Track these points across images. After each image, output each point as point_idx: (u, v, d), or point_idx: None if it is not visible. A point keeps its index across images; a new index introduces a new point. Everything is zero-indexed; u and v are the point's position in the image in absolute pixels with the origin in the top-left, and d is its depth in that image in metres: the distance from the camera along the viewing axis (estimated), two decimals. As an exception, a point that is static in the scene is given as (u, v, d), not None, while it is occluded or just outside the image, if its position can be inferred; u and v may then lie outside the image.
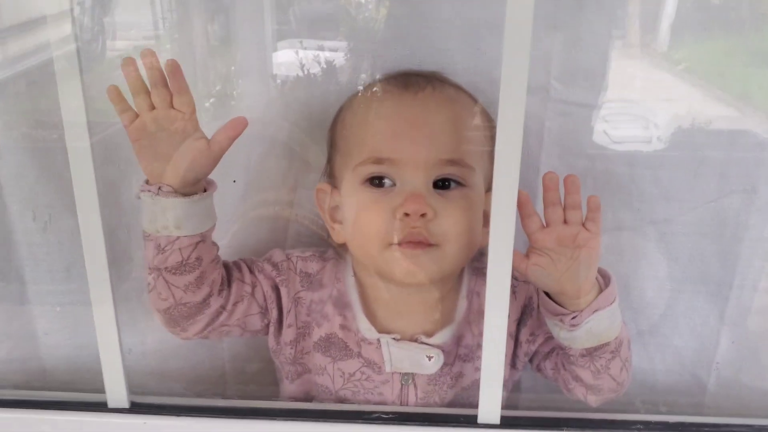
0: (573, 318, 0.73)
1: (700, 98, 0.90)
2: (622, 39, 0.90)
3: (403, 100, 0.78)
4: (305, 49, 0.94)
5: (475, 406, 0.72)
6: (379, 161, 0.75)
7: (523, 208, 0.70)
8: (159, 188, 0.72)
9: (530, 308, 0.82)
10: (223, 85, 1.01)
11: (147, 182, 0.74)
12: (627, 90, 0.91)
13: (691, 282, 0.92)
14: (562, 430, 0.72)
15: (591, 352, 0.75)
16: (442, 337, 0.81)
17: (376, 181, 0.76)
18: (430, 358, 0.79)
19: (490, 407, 0.72)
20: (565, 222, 0.71)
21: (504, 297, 0.68)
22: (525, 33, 0.62)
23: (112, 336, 0.72)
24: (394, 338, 0.80)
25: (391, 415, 0.74)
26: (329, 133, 0.84)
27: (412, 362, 0.80)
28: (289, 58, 0.96)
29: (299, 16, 0.97)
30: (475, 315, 0.81)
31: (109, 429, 0.74)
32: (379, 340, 0.80)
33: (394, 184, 0.75)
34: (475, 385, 0.74)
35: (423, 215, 0.73)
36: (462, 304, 0.82)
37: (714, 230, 0.89)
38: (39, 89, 0.95)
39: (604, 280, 0.74)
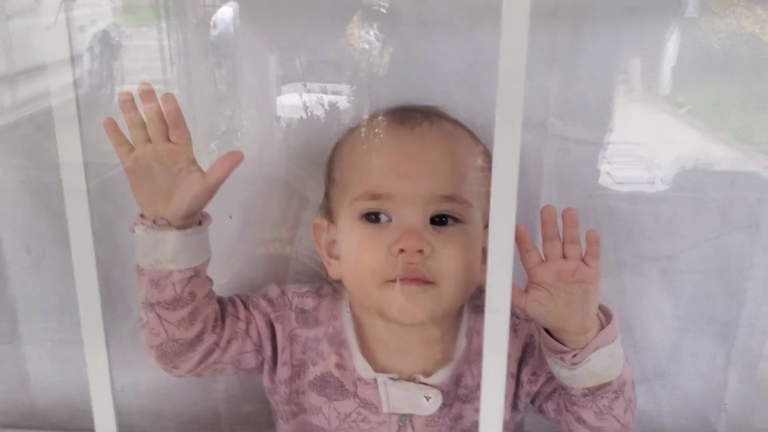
0: (573, 356, 0.71)
1: (701, 140, 0.91)
2: (625, 82, 0.90)
3: (400, 136, 0.77)
4: (309, 92, 0.96)
5: (475, 448, 0.70)
6: (375, 197, 0.75)
7: (521, 242, 0.70)
8: (154, 221, 0.72)
9: (532, 347, 0.80)
10: (227, 127, 1.02)
11: (141, 216, 0.74)
12: (629, 132, 0.91)
13: (696, 321, 0.91)
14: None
15: (593, 392, 0.73)
16: (441, 376, 0.79)
17: (372, 217, 0.76)
18: (428, 398, 0.78)
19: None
20: (564, 256, 0.70)
21: (503, 335, 0.66)
22: (519, 66, 0.62)
23: (104, 375, 0.71)
24: (391, 378, 0.78)
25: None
26: (326, 168, 0.84)
27: (410, 403, 0.78)
28: (293, 101, 0.97)
29: (303, 61, 0.98)
30: (475, 354, 0.80)
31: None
32: (376, 379, 0.78)
33: (390, 220, 0.74)
34: (475, 427, 0.71)
35: (420, 251, 0.72)
36: (461, 343, 0.81)
37: (717, 268, 0.89)
38: (45, 133, 0.98)
39: (605, 317, 0.73)
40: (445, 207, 0.75)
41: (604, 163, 0.89)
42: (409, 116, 0.79)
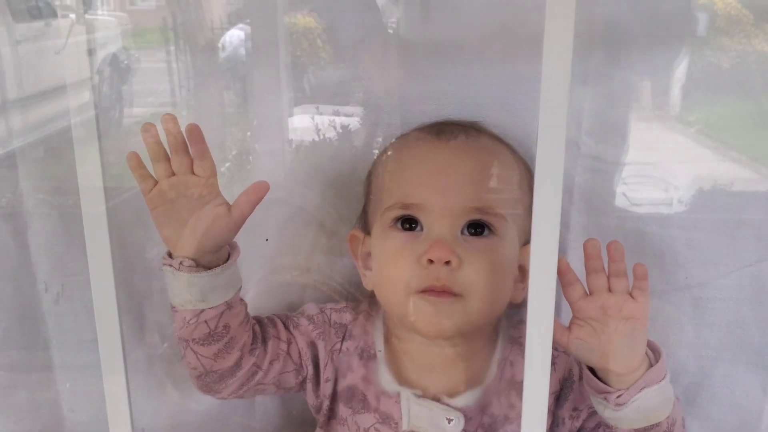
0: (618, 396, 0.68)
1: (714, 160, 0.89)
2: (637, 101, 0.90)
3: (435, 148, 0.77)
4: (321, 114, 0.95)
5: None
6: (406, 207, 0.76)
7: (563, 276, 0.67)
8: (180, 263, 0.69)
9: (570, 381, 0.77)
10: (239, 150, 1.00)
11: (169, 255, 0.72)
12: (644, 152, 0.90)
13: (730, 350, 0.88)
14: None
15: None
16: (466, 399, 0.76)
17: (405, 225, 0.76)
18: (450, 420, 0.75)
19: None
20: (609, 290, 0.67)
21: (545, 373, 0.63)
22: (562, 89, 0.59)
23: (124, 413, 0.68)
24: (415, 394, 0.76)
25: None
26: (365, 181, 0.84)
27: (432, 423, 0.75)
28: (304, 123, 0.96)
29: (314, 83, 0.96)
30: (505, 384, 0.77)
31: None
32: (399, 393, 0.76)
33: (422, 229, 0.73)
34: None
35: (447, 263, 0.71)
36: (492, 370, 0.78)
37: (753, 296, 0.86)
38: (57, 156, 0.95)
39: (653, 354, 0.70)
40: (477, 217, 0.74)
41: (621, 184, 0.88)
42: (446, 129, 0.79)
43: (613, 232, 0.84)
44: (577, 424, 0.78)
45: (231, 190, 0.77)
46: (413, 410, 0.76)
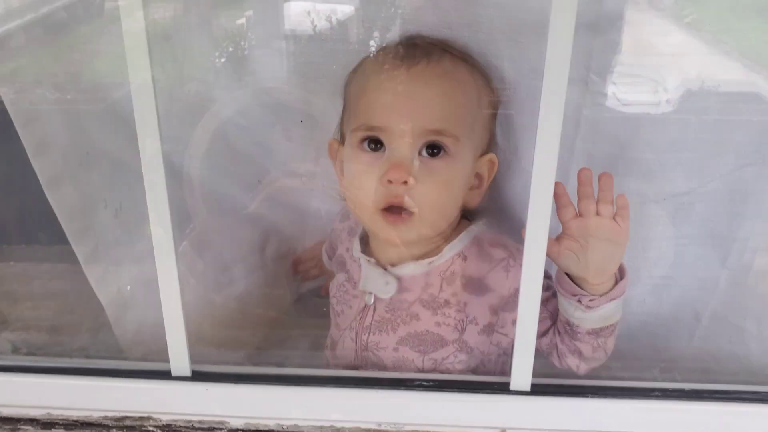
0: (591, 300, 0.79)
1: (707, 54, 0.94)
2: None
3: (397, 74, 0.84)
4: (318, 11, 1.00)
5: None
6: (370, 128, 0.84)
7: (559, 198, 0.76)
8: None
9: None
10: (235, 47, 1.05)
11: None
12: (636, 48, 0.94)
13: (701, 238, 0.98)
14: (588, 397, 0.79)
15: (597, 332, 0.82)
16: (405, 270, 0.89)
17: (371, 146, 0.84)
18: (387, 283, 0.89)
19: (521, 375, 0.79)
20: (597, 214, 0.76)
21: (538, 275, 0.74)
22: (569, 27, 0.66)
23: (177, 308, 0.79)
24: (369, 261, 0.90)
25: (431, 383, 0.81)
26: (343, 92, 0.92)
27: (376, 284, 0.89)
28: (300, 17, 1.02)
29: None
30: (451, 274, 0.88)
31: (174, 395, 0.81)
32: (359, 259, 0.91)
33: (385, 149, 0.83)
34: (429, 335, 0.86)
35: (405, 183, 0.81)
36: (444, 257, 0.88)
37: (730, 197, 0.95)
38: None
39: (620, 272, 0.81)
40: (432, 139, 0.82)
41: (611, 85, 0.91)
42: (409, 54, 0.85)
43: (613, 160, 0.91)
44: None
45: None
46: (365, 272, 0.90)
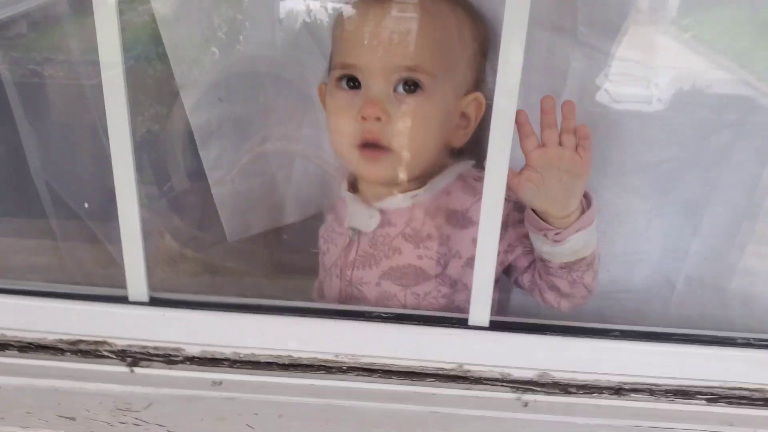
0: (557, 234, 0.79)
1: (705, 65, 0.93)
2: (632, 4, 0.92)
3: (370, 8, 0.84)
4: None
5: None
6: (346, 66, 0.84)
7: (521, 127, 0.75)
8: None
9: (506, 224, 0.86)
10: (229, 28, 1.05)
11: None
12: (633, 52, 0.92)
13: (672, 205, 0.97)
14: (545, 334, 0.79)
15: (569, 266, 0.82)
16: (389, 203, 0.89)
17: (350, 84, 0.84)
18: (371, 217, 0.89)
19: (479, 310, 0.78)
20: (560, 144, 0.76)
21: (498, 208, 0.74)
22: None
23: (135, 232, 0.78)
24: (353, 196, 0.91)
25: (389, 315, 0.81)
26: (330, 34, 0.91)
27: (359, 219, 0.90)
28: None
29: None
30: (435, 208, 0.88)
31: (130, 319, 0.81)
32: (345, 198, 0.92)
33: (362, 87, 0.83)
34: (411, 268, 0.87)
35: (378, 119, 0.81)
36: (429, 192, 0.88)
37: (702, 164, 0.93)
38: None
39: (586, 201, 0.80)
40: (407, 75, 0.82)
41: (603, 79, 0.91)
42: None
43: (595, 120, 0.88)
44: (510, 258, 0.88)
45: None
46: (351, 209, 0.90)
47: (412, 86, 0.82)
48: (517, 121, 0.71)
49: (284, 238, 1.17)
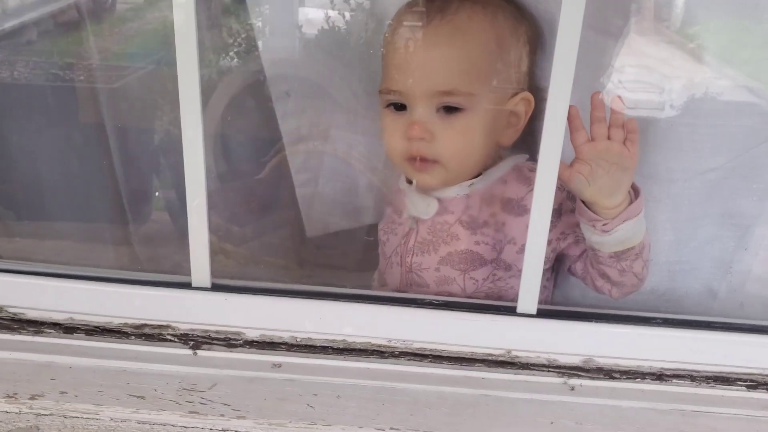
0: (604, 225, 0.82)
1: (710, 76, 0.94)
2: (637, 14, 0.94)
3: (410, 36, 0.89)
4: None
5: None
6: (390, 92, 0.90)
7: (572, 122, 0.78)
8: None
9: (559, 212, 0.90)
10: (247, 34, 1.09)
11: None
12: (641, 61, 0.95)
13: (716, 215, 0.97)
14: (592, 321, 0.82)
15: (618, 255, 0.84)
16: (446, 192, 0.93)
17: (397, 105, 0.90)
18: (428, 205, 0.93)
19: (528, 298, 0.82)
20: (609, 138, 0.79)
21: (548, 205, 0.77)
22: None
23: (202, 219, 0.82)
24: (410, 186, 0.95)
25: (440, 302, 0.84)
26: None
27: (417, 207, 0.94)
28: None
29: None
30: (491, 196, 0.92)
31: (193, 304, 0.84)
32: (404, 189, 0.97)
33: (408, 108, 0.88)
34: (469, 255, 0.90)
35: (422, 139, 0.87)
36: (485, 182, 0.92)
37: (747, 174, 0.94)
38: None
39: (634, 192, 0.83)
40: (446, 100, 0.87)
41: (617, 87, 0.92)
42: (427, 10, 0.88)
43: (645, 124, 0.88)
44: (563, 245, 0.92)
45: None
46: (410, 198, 0.95)
47: (450, 108, 0.87)
48: (568, 116, 0.75)
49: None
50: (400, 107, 0.89)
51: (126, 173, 1.21)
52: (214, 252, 1.28)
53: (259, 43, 1.11)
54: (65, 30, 1.28)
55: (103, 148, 1.22)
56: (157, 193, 1.19)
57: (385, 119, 0.92)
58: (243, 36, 1.19)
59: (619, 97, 0.80)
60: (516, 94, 0.90)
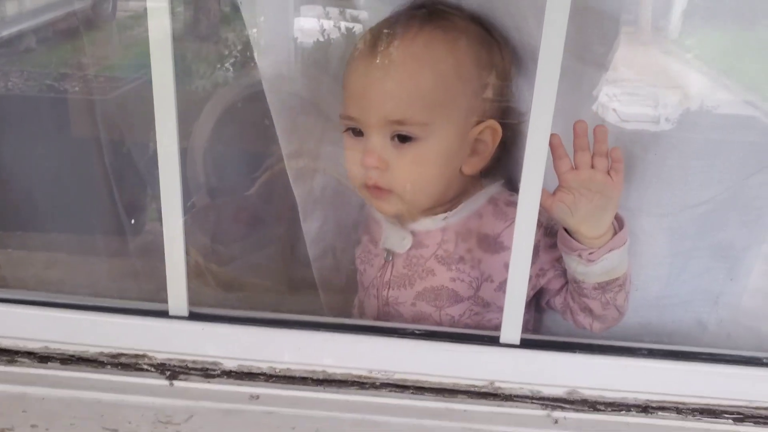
0: (590, 254, 0.81)
1: (707, 86, 0.94)
2: (634, 23, 0.94)
3: (366, 63, 0.87)
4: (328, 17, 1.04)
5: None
6: (347, 118, 0.88)
7: (555, 150, 0.78)
8: None
9: (538, 249, 0.87)
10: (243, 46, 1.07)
11: None
12: (636, 71, 0.95)
13: (706, 248, 0.96)
14: (575, 352, 0.81)
15: (603, 286, 0.83)
16: (421, 225, 0.91)
17: (353, 131, 0.88)
18: (403, 238, 0.91)
19: (511, 328, 0.80)
20: (592, 167, 0.78)
21: (530, 232, 0.76)
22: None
23: (179, 247, 0.80)
24: (388, 221, 0.93)
25: (422, 332, 0.83)
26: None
27: (393, 240, 0.92)
28: (310, 23, 1.06)
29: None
30: (467, 231, 0.90)
31: (170, 333, 0.83)
32: (380, 219, 0.95)
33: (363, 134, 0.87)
34: (444, 290, 0.89)
35: (376, 167, 0.85)
36: (460, 215, 0.90)
37: (738, 205, 0.93)
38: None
39: (618, 223, 0.82)
40: (398, 129, 0.84)
41: (612, 100, 0.91)
42: (387, 35, 0.86)
43: (636, 157, 0.89)
44: (542, 282, 0.90)
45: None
46: (386, 230, 0.93)
47: (404, 137, 0.85)
48: (550, 144, 0.74)
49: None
50: (358, 132, 0.88)
51: (120, 184, 1.20)
52: (200, 273, 1.28)
53: (255, 55, 1.10)
54: (64, 38, 1.27)
55: (96, 158, 1.22)
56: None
57: (345, 144, 0.91)
58: (239, 48, 1.19)
59: (602, 126, 0.78)
60: (480, 122, 0.86)
